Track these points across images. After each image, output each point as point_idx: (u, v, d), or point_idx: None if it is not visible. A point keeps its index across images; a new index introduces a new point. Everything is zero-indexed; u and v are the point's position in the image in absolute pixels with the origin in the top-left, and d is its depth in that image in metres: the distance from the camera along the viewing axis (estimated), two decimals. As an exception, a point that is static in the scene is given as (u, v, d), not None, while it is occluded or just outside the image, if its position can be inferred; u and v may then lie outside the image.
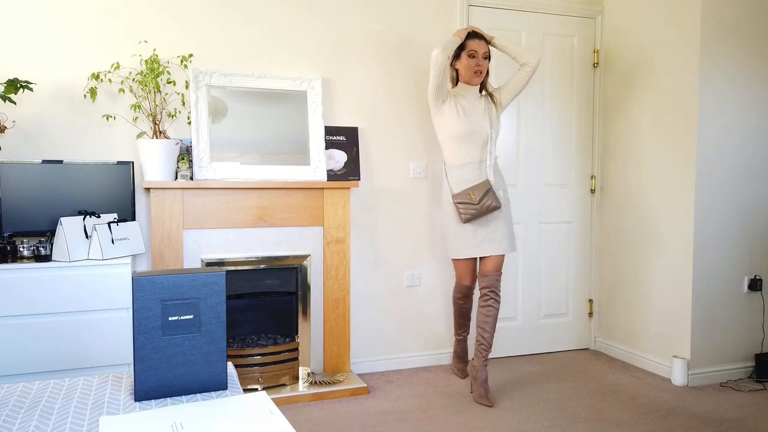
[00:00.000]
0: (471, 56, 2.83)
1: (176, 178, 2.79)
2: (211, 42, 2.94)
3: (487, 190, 2.77)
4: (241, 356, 2.81)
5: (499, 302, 2.87)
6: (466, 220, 2.79)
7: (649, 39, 3.29)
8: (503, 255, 2.89)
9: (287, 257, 2.94)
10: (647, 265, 3.33)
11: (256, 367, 2.83)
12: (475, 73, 2.84)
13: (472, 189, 2.79)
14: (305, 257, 2.97)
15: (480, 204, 2.76)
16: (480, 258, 2.90)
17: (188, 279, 1.27)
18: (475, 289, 3.06)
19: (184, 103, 2.88)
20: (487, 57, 2.86)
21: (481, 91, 2.91)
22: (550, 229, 3.64)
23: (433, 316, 3.41)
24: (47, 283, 2.36)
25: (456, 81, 2.95)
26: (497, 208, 2.77)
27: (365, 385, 2.93)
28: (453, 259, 2.96)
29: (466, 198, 2.78)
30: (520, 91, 2.92)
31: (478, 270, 2.94)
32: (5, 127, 2.56)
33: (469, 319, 3.16)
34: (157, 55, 2.71)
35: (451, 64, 2.91)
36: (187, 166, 2.82)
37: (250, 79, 2.92)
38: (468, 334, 3.19)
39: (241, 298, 2.99)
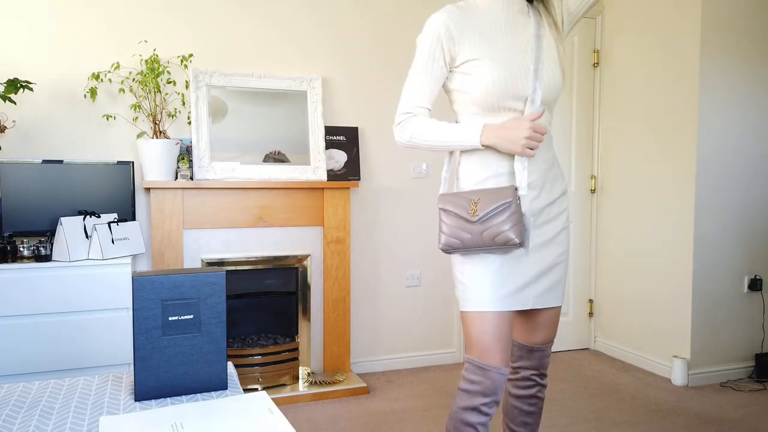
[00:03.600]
0: None
1: (176, 178, 2.79)
2: (211, 42, 2.94)
3: (504, 204, 1.41)
4: (241, 356, 2.81)
5: (545, 390, 1.69)
6: (448, 246, 1.48)
7: (649, 39, 3.29)
8: (559, 310, 1.63)
9: (287, 257, 2.93)
10: (647, 265, 3.33)
11: (256, 367, 2.83)
12: None
13: (478, 194, 1.45)
14: (305, 257, 2.97)
15: (481, 226, 1.43)
16: (528, 318, 1.62)
17: (188, 279, 1.27)
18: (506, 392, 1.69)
19: (184, 103, 2.88)
20: None
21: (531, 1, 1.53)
22: (550, 229, 3.63)
23: (433, 316, 3.41)
24: (47, 283, 2.36)
25: None
26: (515, 246, 1.42)
27: (365, 385, 2.93)
28: (464, 314, 1.53)
29: (461, 204, 1.47)
30: (589, 3, 1.52)
31: (529, 339, 1.64)
32: (5, 127, 2.56)
33: None
34: (157, 55, 2.71)
35: None
36: (187, 166, 2.82)
37: (250, 79, 2.92)
38: None
39: (241, 298, 2.99)
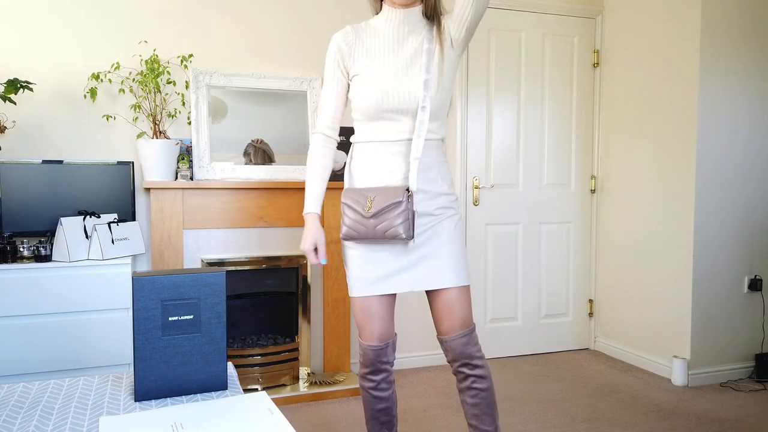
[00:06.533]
0: None
1: (176, 178, 2.79)
2: (211, 42, 2.94)
3: (395, 203, 1.62)
4: (241, 356, 2.81)
5: (486, 374, 1.73)
6: (346, 237, 1.69)
7: (649, 39, 3.29)
8: (463, 292, 1.72)
9: (287, 257, 2.93)
10: (647, 265, 3.33)
11: (256, 367, 2.83)
12: None
13: (375, 192, 1.66)
14: (305, 257, 2.97)
15: (374, 218, 1.63)
16: (431, 308, 1.77)
17: (188, 279, 1.27)
18: (392, 362, 1.80)
19: (184, 103, 2.88)
20: None
21: (430, 18, 1.71)
22: (550, 229, 3.64)
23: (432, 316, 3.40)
24: (47, 283, 2.36)
25: (381, 3, 1.75)
26: (403, 240, 1.63)
27: (365, 385, 2.93)
28: (351, 298, 1.79)
29: (358, 201, 1.67)
30: (472, 18, 1.63)
31: (437, 330, 1.78)
32: (5, 127, 2.56)
33: (392, 425, 1.84)
34: (157, 55, 2.71)
35: None
36: (187, 166, 2.82)
37: (250, 79, 2.92)
38: None
39: (241, 298, 2.99)
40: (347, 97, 1.78)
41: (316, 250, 1.75)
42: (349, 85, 1.75)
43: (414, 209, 1.66)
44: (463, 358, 1.72)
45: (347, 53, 1.72)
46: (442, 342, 1.75)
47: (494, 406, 1.75)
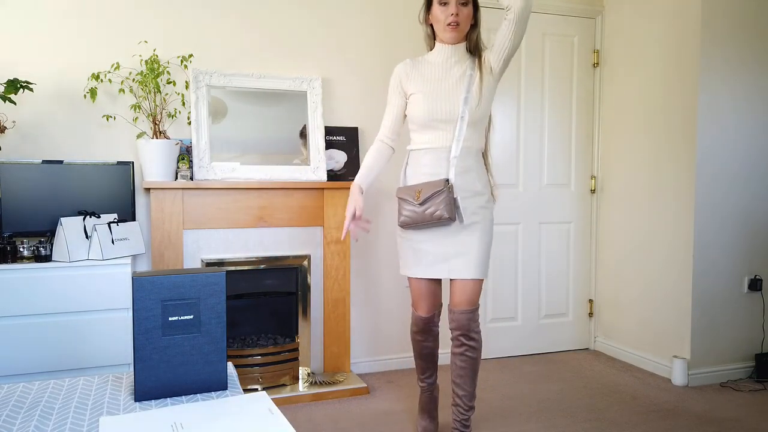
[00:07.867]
0: (442, 3, 2.10)
1: (176, 178, 2.79)
2: (211, 42, 2.94)
3: (438, 191, 2.06)
4: (241, 356, 2.81)
5: (478, 346, 2.19)
6: (403, 224, 2.16)
7: (649, 39, 3.29)
8: (476, 282, 2.16)
9: (287, 257, 2.94)
10: (647, 265, 3.33)
11: (256, 367, 2.83)
12: (448, 25, 2.09)
13: (422, 185, 2.11)
14: (305, 257, 2.97)
15: (423, 207, 2.08)
16: (451, 286, 2.22)
17: (188, 279, 1.27)
18: (437, 325, 2.33)
19: (184, 103, 2.88)
20: (468, 2, 2.11)
21: (473, 52, 2.18)
22: (550, 229, 3.64)
23: (433, 316, 3.41)
24: (47, 283, 2.36)
25: (434, 42, 2.23)
26: (447, 220, 2.06)
27: (365, 385, 2.93)
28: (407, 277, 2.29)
29: (410, 194, 2.13)
30: (509, 50, 2.08)
31: (449, 302, 2.25)
32: (5, 127, 2.56)
33: (434, 362, 2.39)
34: (157, 55, 2.71)
35: (425, 20, 2.21)
36: (187, 166, 2.81)
37: (250, 79, 2.92)
38: (436, 378, 2.42)
39: (241, 298, 2.99)
40: (405, 114, 2.24)
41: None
42: (406, 103, 2.23)
43: (455, 197, 2.08)
44: (464, 330, 2.16)
45: (405, 79, 2.21)
46: (451, 311, 2.18)
47: (477, 371, 2.21)
